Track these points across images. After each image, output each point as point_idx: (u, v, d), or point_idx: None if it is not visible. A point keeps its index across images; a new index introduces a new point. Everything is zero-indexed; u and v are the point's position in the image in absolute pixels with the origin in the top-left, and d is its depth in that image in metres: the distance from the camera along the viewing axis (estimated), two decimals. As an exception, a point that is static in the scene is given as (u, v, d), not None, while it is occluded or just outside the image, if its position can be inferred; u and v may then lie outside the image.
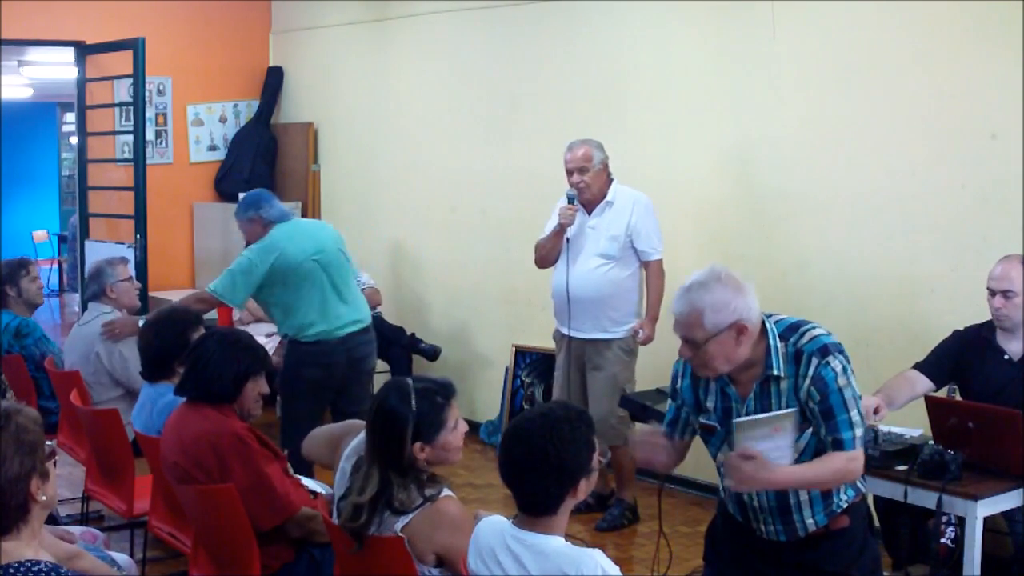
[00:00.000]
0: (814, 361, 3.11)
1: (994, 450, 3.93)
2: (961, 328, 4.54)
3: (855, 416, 3.13)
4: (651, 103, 6.35)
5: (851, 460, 3.15)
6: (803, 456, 3.18)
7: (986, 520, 3.85)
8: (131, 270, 6.04)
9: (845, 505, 3.26)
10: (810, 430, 3.16)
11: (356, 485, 3.13)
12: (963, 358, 4.44)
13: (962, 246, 5.11)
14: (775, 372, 3.13)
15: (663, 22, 6.29)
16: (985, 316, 4.46)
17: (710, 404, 3.27)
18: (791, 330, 3.16)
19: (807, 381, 3.11)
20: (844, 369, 3.12)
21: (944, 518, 4.08)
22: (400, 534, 3.06)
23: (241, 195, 5.88)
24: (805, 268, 5.73)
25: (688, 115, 6.18)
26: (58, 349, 6.03)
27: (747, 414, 3.17)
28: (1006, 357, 4.37)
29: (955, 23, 5.11)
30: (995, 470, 3.93)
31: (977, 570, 3.80)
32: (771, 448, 3.11)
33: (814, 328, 3.17)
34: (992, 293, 4.35)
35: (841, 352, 3.14)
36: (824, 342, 3.14)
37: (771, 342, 3.13)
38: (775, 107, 5.78)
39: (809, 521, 3.24)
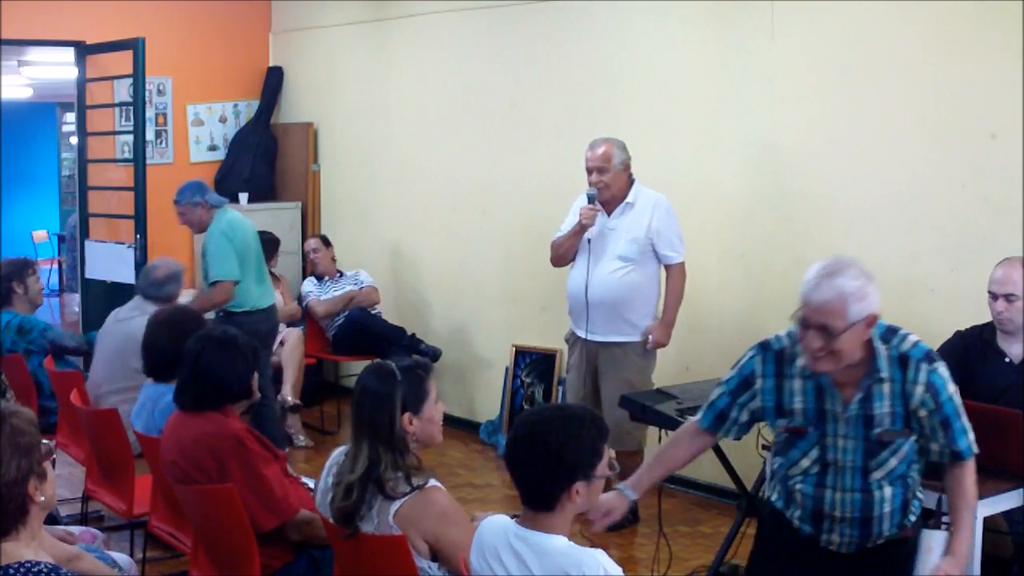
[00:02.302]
0: (923, 367, 3.06)
1: (994, 450, 3.91)
2: (962, 329, 4.53)
3: (966, 422, 3.12)
4: (650, 104, 6.35)
5: (974, 469, 3.18)
6: (901, 464, 3.14)
7: (986, 520, 3.85)
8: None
9: (913, 519, 3.24)
10: (913, 438, 3.12)
11: (346, 468, 3.19)
12: (966, 360, 4.43)
13: (962, 246, 5.11)
14: (883, 374, 3.05)
15: (662, 23, 6.29)
16: (985, 316, 4.45)
17: (797, 405, 3.15)
18: (890, 333, 3.10)
19: (919, 387, 3.06)
20: (950, 376, 3.10)
21: (944, 518, 4.07)
22: (394, 525, 3.09)
23: (194, 184, 6.65)
24: (805, 268, 5.68)
25: (687, 116, 6.18)
26: (62, 332, 6.06)
27: (849, 417, 3.08)
28: (1007, 360, 4.36)
29: (955, 23, 5.11)
30: (995, 470, 3.92)
31: (977, 570, 3.80)
32: (936, 553, 3.16)
33: (911, 334, 3.13)
34: (994, 297, 4.32)
35: (941, 360, 3.12)
36: (927, 349, 3.10)
37: (875, 343, 3.05)
38: (774, 108, 5.78)
39: (886, 531, 3.20)
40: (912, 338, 3.11)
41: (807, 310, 3.02)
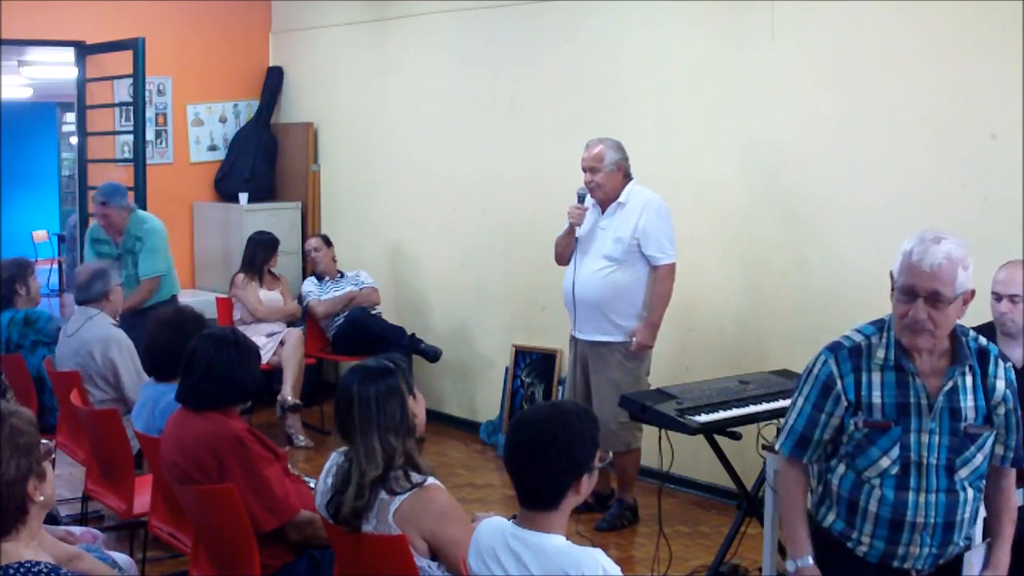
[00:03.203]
0: (1001, 363, 3.01)
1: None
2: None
3: None
4: (650, 104, 6.34)
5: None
6: (984, 463, 3.01)
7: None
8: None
9: (973, 532, 3.11)
10: (994, 434, 3.01)
11: (353, 471, 3.20)
12: None
13: (962, 246, 5.10)
14: (970, 362, 2.95)
15: (663, 22, 6.29)
16: (985, 317, 4.44)
17: (876, 400, 2.96)
18: (962, 327, 3.00)
19: (1000, 382, 2.99)
20: None
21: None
22: (393, 524, 3.11)
23: (107, 186, 6.92)
24: (805, 268, 5.73)
25: (687, 116, 6.18)
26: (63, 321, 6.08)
27: (936, 410, 2.93)
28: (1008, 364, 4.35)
29: (955, 23, 5.11)
30: (995, 470, 3.91)
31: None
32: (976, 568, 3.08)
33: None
34: (998, 298, 4.28)
35: None
36: (996, 348, 3.05)
37: (959, 332, 2.95)
38: (775, 108, 5.78)
39: (960, 543, 3.05)
40: (981, 337, 3.04)
41: (916, 278, 2.86)
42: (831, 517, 3.09)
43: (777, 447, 3.17)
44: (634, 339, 5.49)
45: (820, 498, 3.14)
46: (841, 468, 3.05)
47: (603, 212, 5.57)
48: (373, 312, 7.72)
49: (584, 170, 5.53)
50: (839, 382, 3.00)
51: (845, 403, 2.99)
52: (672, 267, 5.52)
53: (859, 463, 3.00)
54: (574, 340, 5.71)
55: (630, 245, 5.47)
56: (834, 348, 3.05)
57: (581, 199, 5.54)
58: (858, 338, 3.04)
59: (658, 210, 5.49)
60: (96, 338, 5.37)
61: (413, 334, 7.54)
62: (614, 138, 5.60)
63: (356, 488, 3.17)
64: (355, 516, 3.17)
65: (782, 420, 4.39)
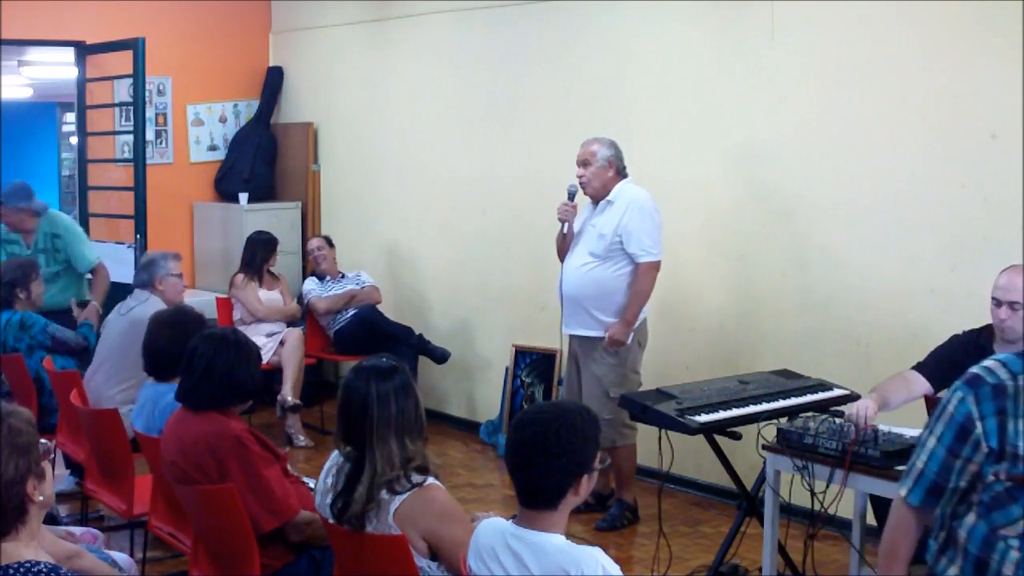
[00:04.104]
0: None
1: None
2: (960, 332, 4.48)
3: None
4: (650, 104, 6.35)
5: None
6: None
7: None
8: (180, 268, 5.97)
9: None
10: None
11: (368, 470, 3.18)
12: (963, 365, 4.35)
13: (962, 246, 5.11)
14: None
15: (662, 23, 6.29)
16: (985, 317, 4.43)
17: (1023, 450, 2.55)
18: None
19: None
20: None
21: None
22: (393, 524, 3.11)
23: (19, 186, 6.79)
24: (805, 268, 5.73)
25: (687, 116, 6.18)
26: (61, 327, 6.08)
27: None
28: None
29: (955, 23, 5.11)
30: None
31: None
32: None
33: None
34: (998, 303, 4.18)
35: None
36: None
37: None
38: (774, 108, 5.78)
39: None
40: None
41: None
42: (953, 571, 2.69)
43: (903, 492, 2.74)
44: (607, 334, 5.49)
45: (941, 547, 2.73)
46: (971, 518, 2.64)
47: (595, 208, 5.62)
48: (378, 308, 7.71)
49: (578, 164, 5.59)
50: (979, 425, 2.58)
51: (986, 449, 2.58)
52: (653, 265, 5.51)
53: (995, 518, 2.59)
54: (568, 336, 5.76)
55: (612, 242, 5.49)
56: (973, 383, 2.62)
57: (571, 196, 5.61)
58: (1003, 374, 2.61)
59: (642, 208, 5.49)
60: (144, 319, 5.39)
61: (421, 335, 7.50)
62: (611, 138, 5.62)
63: (368, 489, 3.16)
64: (362, 516, 3.17)
65: (783, 420, 4.43)
